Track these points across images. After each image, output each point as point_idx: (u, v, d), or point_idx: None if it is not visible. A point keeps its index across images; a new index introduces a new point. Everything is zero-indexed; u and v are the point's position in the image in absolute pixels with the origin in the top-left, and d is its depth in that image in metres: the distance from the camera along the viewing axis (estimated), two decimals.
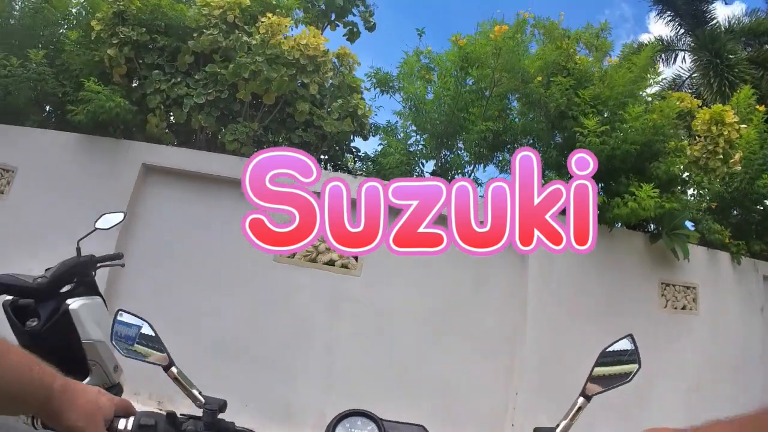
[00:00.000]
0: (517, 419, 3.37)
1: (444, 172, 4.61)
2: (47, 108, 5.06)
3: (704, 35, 9.26)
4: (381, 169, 4.34)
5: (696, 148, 4.16)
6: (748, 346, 5.15)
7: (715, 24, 9.85)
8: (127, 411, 0.68)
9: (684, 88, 9.99)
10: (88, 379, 1.74)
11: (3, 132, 4.49)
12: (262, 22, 3.86)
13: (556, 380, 3.53)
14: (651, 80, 4.14)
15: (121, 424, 0.66)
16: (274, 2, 4.68)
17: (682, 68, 10.43)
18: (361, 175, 4.74)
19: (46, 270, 1.81)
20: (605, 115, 3.96)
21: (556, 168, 4.43)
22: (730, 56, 8.64)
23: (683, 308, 4.54)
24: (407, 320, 3.67)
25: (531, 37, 5.46)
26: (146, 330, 0.79)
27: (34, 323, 1.61)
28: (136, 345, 0.78)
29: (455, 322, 3.68)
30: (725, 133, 4.10)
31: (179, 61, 4.28)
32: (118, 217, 2.24)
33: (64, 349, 1.66)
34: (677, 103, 4.89)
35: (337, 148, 5.00)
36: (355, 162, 5.24)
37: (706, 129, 4.15)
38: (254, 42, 3.74)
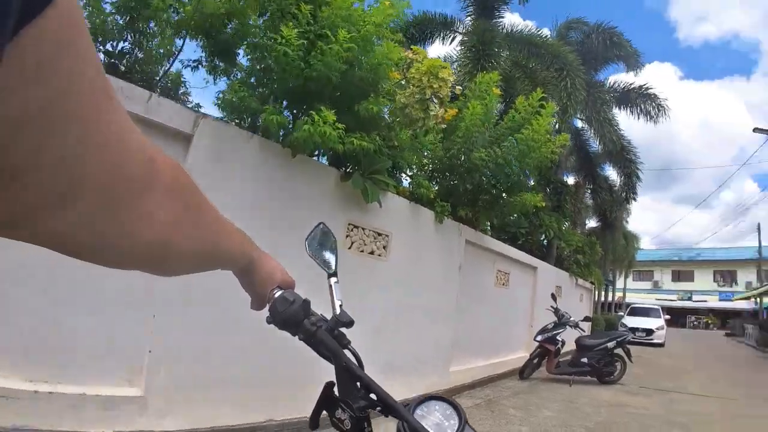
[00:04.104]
0: None
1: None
2: None
3: (478, 27, 10.46)
4: None
5: (405, 94, 4.12)
6: (443, 297, 5.67)
7: (498, 22, 11.09)
8: (287, 286, 0.81)
9: (453, 66, 11.20)
10: None
11: None
12: None
13: None
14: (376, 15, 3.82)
15: (276, 292, 0.79)
16: None
17: (456, 50, 11.60)
18: None
19: None
20: (313, 30, 3.56)
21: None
22: (495, 49, 9.93)
23: (371, 253, 4.58)
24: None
25: None
26: (330, 241, 0.97)
27: None
28: (317, 246, 0.95)
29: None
30: (435, 86, 4.13)
31: None
32: None
33: None
34: (403, 52, 4.82)
35: None
36: None
37: (418, 78, 4.13)
38: None
